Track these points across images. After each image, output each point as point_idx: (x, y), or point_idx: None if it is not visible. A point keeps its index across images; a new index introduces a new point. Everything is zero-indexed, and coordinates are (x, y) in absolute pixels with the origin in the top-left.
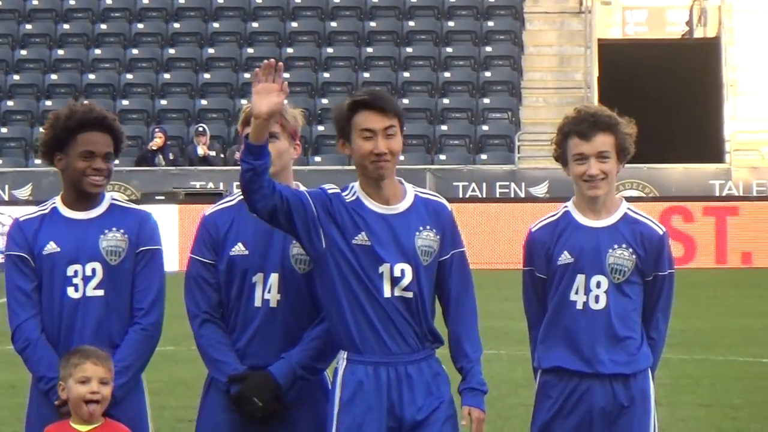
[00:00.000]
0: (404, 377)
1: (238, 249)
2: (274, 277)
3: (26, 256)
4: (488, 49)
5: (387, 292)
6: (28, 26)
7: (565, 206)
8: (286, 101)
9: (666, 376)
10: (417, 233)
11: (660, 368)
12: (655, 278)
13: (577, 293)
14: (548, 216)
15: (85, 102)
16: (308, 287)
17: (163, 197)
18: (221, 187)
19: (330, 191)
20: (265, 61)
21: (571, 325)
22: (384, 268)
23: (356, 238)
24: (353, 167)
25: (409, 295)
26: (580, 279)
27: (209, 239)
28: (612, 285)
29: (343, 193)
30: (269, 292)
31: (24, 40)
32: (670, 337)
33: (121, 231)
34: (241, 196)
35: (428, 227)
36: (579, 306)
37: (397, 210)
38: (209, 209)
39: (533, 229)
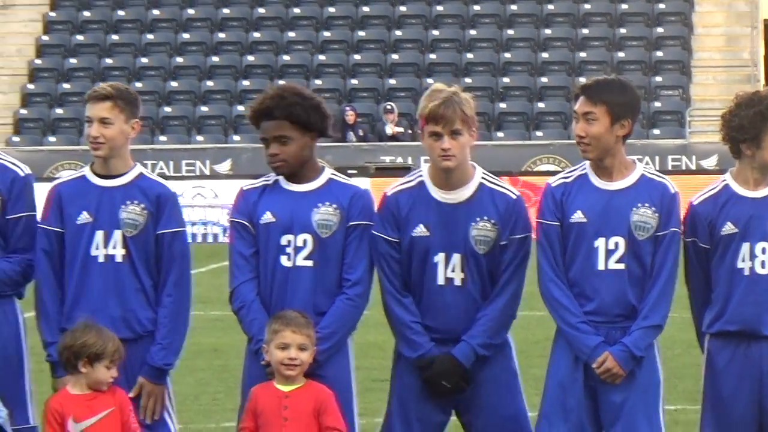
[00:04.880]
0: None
1: (420, 230)
2: (457, 257)
3: (247, 223)
4: (660, 30)
5: (601, 265)
6: (226, 10)
7: (723, 179)
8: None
9: None
10: (634, 209)
11: None
12: None
13: (743, 261)
14: (708, 189)
15: (292, 85)
16: (488, 266)
17: (355, 171)
18: (410, 162)
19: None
20: None
21: (739, 290)
22: (599, 243)
23: (572, 216)
24: (535, 142)
25: (622, 267)
26: (745, 247)
27: (392, 218)
28: None
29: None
30: (453, 271)
31: (222, 23)
32: None
33: (334, 206)
34: (421, 177)
35: (647, 204)
36: (746, 272)
37: (618, 186)
38: (390, 188)
39: (695, 203)
